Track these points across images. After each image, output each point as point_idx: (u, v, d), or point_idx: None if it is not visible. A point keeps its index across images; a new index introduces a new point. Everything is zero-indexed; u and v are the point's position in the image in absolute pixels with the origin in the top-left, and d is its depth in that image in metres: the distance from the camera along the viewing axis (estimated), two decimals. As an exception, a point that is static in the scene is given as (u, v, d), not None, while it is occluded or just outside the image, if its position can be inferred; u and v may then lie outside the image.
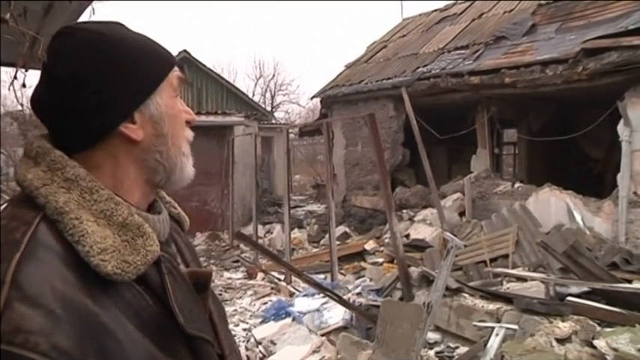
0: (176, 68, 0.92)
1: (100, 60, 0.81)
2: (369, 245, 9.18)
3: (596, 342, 3.93)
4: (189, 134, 0.95)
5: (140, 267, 0.77)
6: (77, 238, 0.74)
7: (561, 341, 4.01)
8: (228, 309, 6.67)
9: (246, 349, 5.32)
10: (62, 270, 0.71)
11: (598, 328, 4.25)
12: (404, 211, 9.81)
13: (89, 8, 2.83)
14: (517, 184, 9.03)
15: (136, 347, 0.73)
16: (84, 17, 3.01)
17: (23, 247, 0.70)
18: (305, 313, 5.74)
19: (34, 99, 0.84)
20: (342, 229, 10.57)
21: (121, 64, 0.82)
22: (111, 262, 0.74)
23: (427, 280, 5.63)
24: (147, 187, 0.89)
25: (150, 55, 0.87)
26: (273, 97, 33.59)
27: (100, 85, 0.81)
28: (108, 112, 0.82)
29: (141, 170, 0.87)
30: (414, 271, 5.93)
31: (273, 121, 20.44)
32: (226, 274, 8.80)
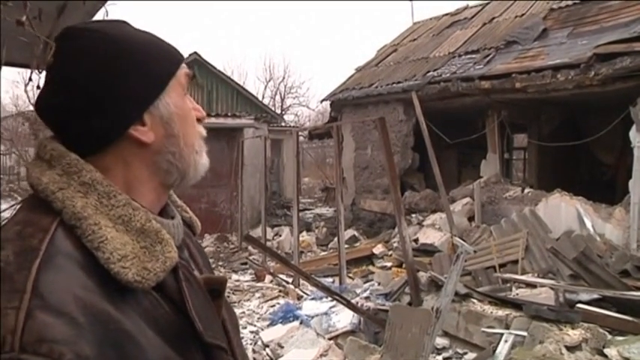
0: (184, 65, 0.89)
1: (105, 61, 0.79)
2: (378, 249, 9.16)
3: (607, 350, 3.89)
4: (202, 130, 0.93)
5: (160, 274, 0.76)
6: (97, 244, 0.72)
7: (571, 349, 3.98)
8: (236, 311, 6.67)
9: (254, 351, 5.32)
10: (82, 277, 0.69)
11: (609, 337, 4.21)
12: (413, 215, 9.79)
13: (102, 10, 2.85)
14: (527, 190, 8.98)
15: (157, 353, 0.72)
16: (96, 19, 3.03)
17: (42, 254, 0.68)
18: (313, 317, 5.74)
19: (39, 102, 0.82)
20: (350, 232, 10.56)
21: (127, 65, 0.80)
22: (131, 270, 0.73)
23: (436, 285, 5.61)
24: (160, 189, 0.88)
25: (156, 54, 0.85)
26: (282, 100, 33.65)
27: (106, 87, 0.78)
28: (115, 115, 0.79)
29: (153, 173, 0.85)
30: (423, 275, 5.91)
31: (283, 124, 20.49)
32: (234, 277, 8.80)
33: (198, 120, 0.92)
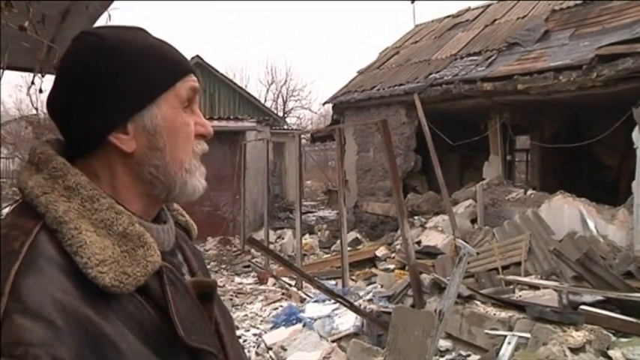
0: (188, 79, 0.87)
1: (95, 65, 0.79)
2: (381, 251, 9.15)
3: (611, 352, 3.89)
4: (202, 148, 0.90)
5: (140, 278, 0.76)
6: (75, 249, 0.72)
7: (575, 351, 3.97)
8: (239, 314, 6.68)
9: (257, 354, 5.32)
10: (62, 280, 0.69)
11: (613, 338, 4.20)
12: (415, 217, 9.78)
13: (105, 15, 2.86)
14: (529, 191, 8.97)
15: (138, 359, 0.72)
16: (100, 23, 3.04)
17: (22, 257, 0.69)
18: (316, 319, 5.73)
19: (47, 100, 0.84)
20: (353, 235, 10.55)
21: (116, 72, 0.79)
22: (109, 274, 0.72)
23: (439, 287, 5.59)
24: (147, 200, 0.86)
25: (154, 64, 0.82)
26: (285, 103, 33.71)
27: (92, 91, 0.78)
28: (97, 120, 0.79)
29: (137, 182, 0.84)
30: (426, 278, 5.90)
31: (285, 127, 20.50)
32: (237, 279, 8.81)
33: (203, 136, 0.90)
